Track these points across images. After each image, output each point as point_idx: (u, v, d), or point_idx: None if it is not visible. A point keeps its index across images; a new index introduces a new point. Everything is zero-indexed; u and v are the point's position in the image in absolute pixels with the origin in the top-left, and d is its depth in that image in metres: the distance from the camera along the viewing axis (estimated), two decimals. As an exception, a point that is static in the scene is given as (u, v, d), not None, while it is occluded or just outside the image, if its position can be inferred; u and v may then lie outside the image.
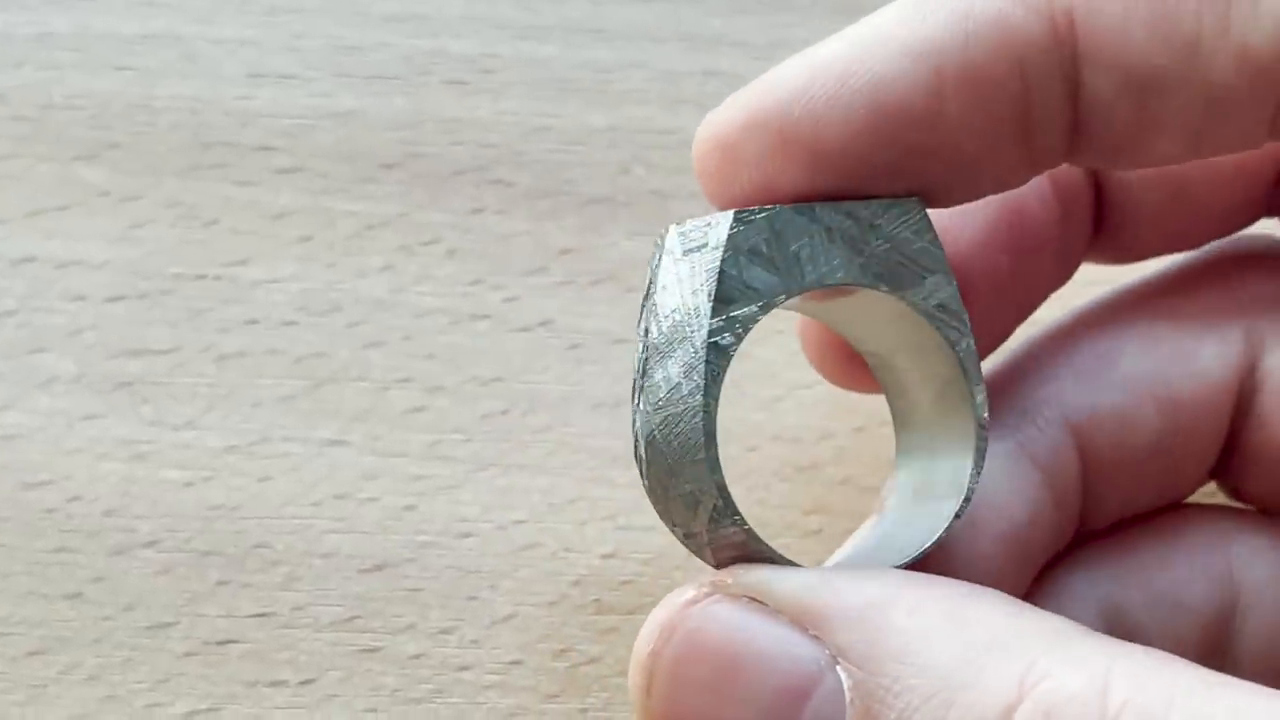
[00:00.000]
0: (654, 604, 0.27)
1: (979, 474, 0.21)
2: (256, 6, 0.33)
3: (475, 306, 0.30)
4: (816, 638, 0.19)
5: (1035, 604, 0.19)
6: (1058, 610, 0.19)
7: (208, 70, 0.32)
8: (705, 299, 0.20)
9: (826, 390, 0.28)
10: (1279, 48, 0.19)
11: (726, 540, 0.20)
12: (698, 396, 0.19)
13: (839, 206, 0.20)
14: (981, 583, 0.20)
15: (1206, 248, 0.25)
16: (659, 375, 0.20)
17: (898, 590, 0.19)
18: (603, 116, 0.32)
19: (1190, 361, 0.24)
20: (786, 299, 0.20)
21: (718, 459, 0.20)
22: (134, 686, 0.27)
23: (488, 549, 0.28)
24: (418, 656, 0.27)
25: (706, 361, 0.19)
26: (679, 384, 0.20)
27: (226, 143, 0.32)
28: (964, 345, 0.21)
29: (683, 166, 0.31)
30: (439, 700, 0.27)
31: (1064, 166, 0.23)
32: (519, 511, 0.28)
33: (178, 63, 0.32)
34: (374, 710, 0.27)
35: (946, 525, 0.21)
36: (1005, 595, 0.19)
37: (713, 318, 0.19)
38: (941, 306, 0.21)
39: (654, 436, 0.20)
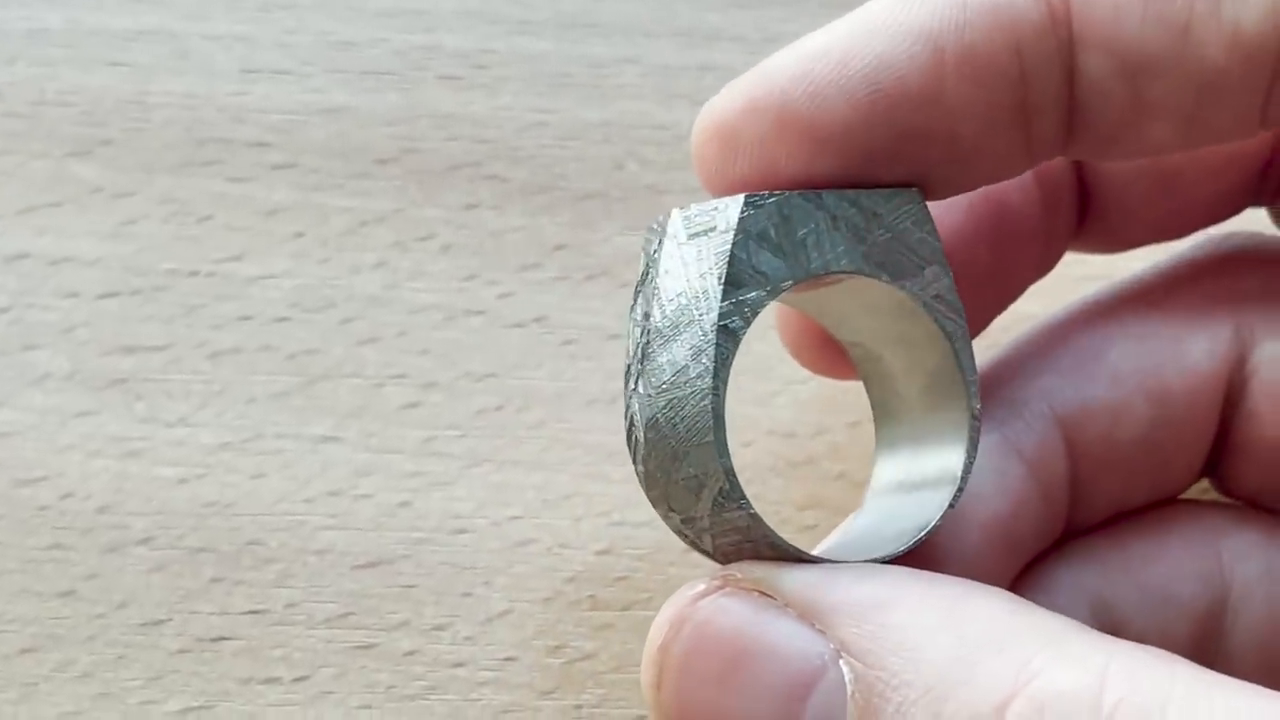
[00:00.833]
0: (649, 600, 0.27)
1: (971, 463, 0.21)
2: (249, 2, 0.33)
3: (469, 302, 0.30)
4: (822, 632, 0.19)
5: (1024, 598, 0.19)
6: (1047, 605, 0.19)
7: (201, 66, 0.32)
8: (715, 282, 0.20)
9: (821, 385, 0.28)
10: (1269, 30, 0.20)
11: (730, 525, 0.20)
12: (707, 379, 0.19)
13: (844, 194, 0.20)
14: (966, 575, 0.20)
15: (1196, 244, 0.25)
16: (663, 358, 0.20)
17: (901, 587, 0.19)
18: (597, 112, 0.32)
19: (1180, 356, 0.24)
20: (793, 285, 0.20)
21: (725, 442, 0.20)
22: (127, 684, 0.27)
23: (482, 545, 0.28)
24: (412, 653, 0.27)
25: (716, 345, 0.19)
26: (686, 366, 0.20)
27: (220, 139, 0.32)
28: (960, 336, 0.21)
29: (677, 162, 0.31)
30: (433, 697, 0.27)
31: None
32: (513, 508, 0.28)
33: (171, 59, 0.32)
34: (368, 707, 0.27)
35: (940, 515, 0.21)
36: (1007, 593, 0.19)
37: (723, 301, 0.19)
38: (939, 297, 0.21)
39: (657, 420, 0.20)
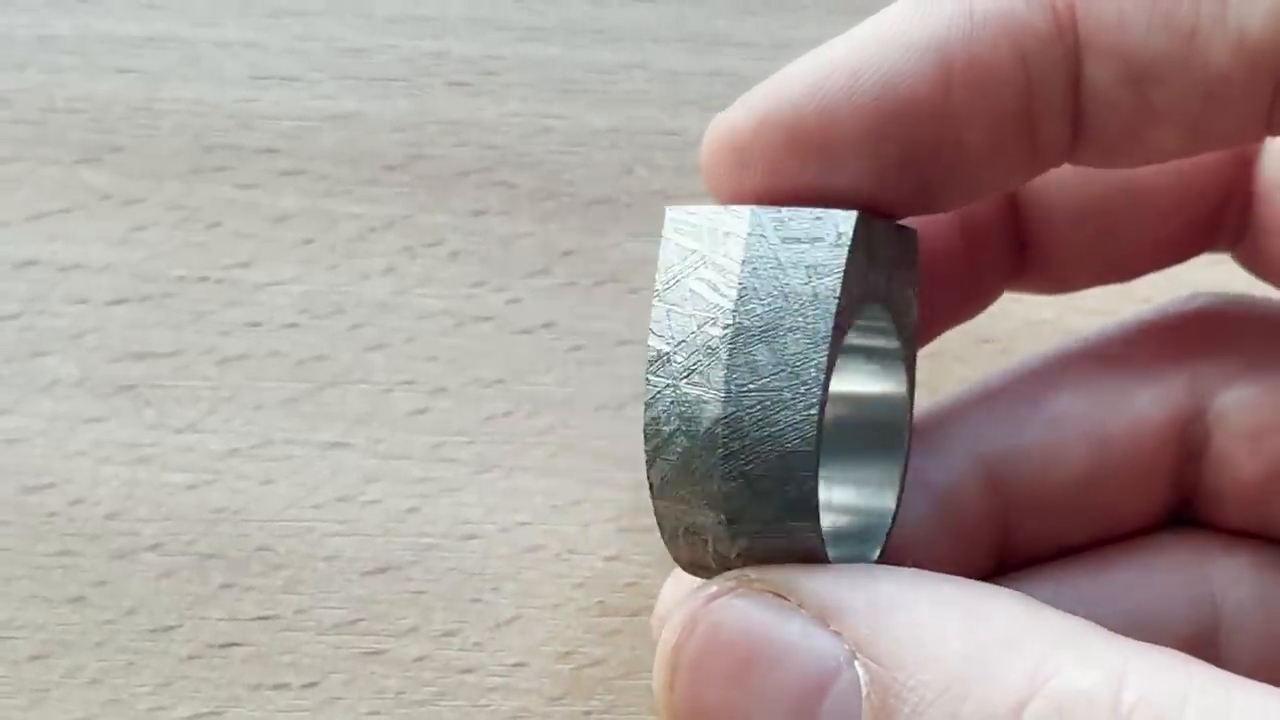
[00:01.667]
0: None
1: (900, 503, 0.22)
2: (259, 9, 0.33)
3: (478, 308, 0.30)
4: (837, 633, 0.19)
5: None
6: None
7: (210, 73, 0.32)
8: (827, 290, 0.20)
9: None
10: (1275, 36, 0.19)
11: (784, 532, 0.20)
12: (816, 388, 0.19)
13: (887, 225, 0.21)
14: None
15: (1158, 305, 0.26)
16: (760, 357, 0.20)
17: (917, 588, 0.19)
18: (605, 118, 0.32)
19: (1124, 404, 0.25)
20: (864, 307, 0.20)
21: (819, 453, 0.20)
22: (136, 690, 0.27)
23: (491, 551, 0.28)
24: (421, 659, 0.27)
25: (829, 353, 0.20)
26: (791, 370, 0.20)
27: (229, 145, 0.32)
28: (911, 366, 0.23)
29: (685, 167, 0.31)
30: (442, 703, 0.27)
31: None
32: (522, 514, 0.28)
33: (180, 65, 0.32)
34: (377, 713, 0.27)
35: (880, 550, 0.22)
36: (1023, 595, 0.19)
37: (836, 312, 0.20)
38: (909, 331, 0.22)
39: (738, 417, 0.20)
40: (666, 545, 0.21)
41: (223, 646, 0.27)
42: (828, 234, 0.20)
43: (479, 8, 0.33)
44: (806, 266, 0.20)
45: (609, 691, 0.27)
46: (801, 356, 0.20)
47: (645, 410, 0.20)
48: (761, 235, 0.20)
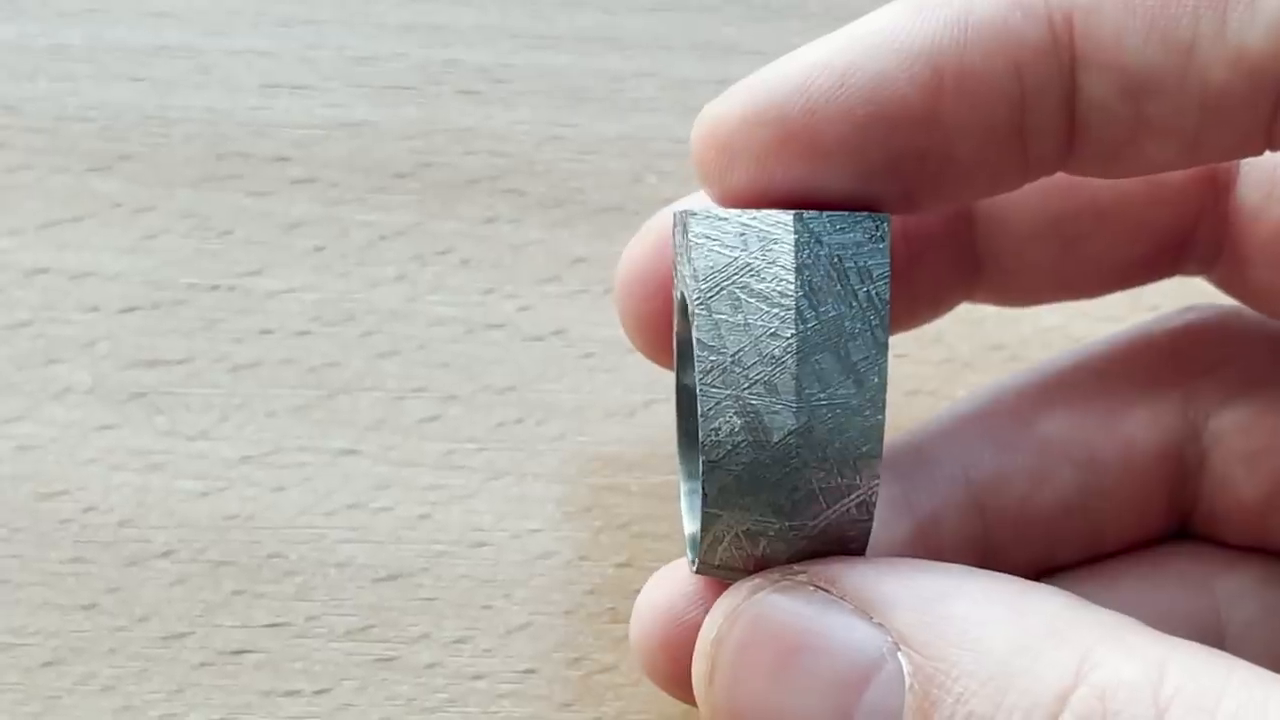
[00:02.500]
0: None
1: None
2: (270, 17, 0.33)
3: (489, 316, 0.30)
4: (880, 624, 0.19)
5: None
6: None
7: (221, 81, 0.32)
8: (879, 296, 0.20)
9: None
10: (1275, 50, 0.19)
11: (840, 533, 0.20)
12: (882, 394, 0.20)
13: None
14: None
15: (1150, 320, 0.26)
16: (827, 365, 0.20)
17: (961, 581, 0.19)
18: (615, 125, 0.32)
19: (1114, 426, 0.25)
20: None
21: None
22: (149, 697, 0.27)
23: (502, 558, 0.28)
24: (432, 666, 0.27)
25: (886, 358, 0.20)
26: (858, 377, 0.20)
27: (240, 153, 0.32)
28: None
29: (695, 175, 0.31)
30: (453, 709, 0.27)
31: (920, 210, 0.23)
32: (533, 520, 0.28)
33: (191, 74, 0.33)
34: (389, 720, 0.27)
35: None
36: (1064, 591, 0.20)
37: (888, 316, 0.20)
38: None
39: (811, 427, 0.20)
40: (702, 548, 0.21)
41: (235, 653, 0.27)
42: (869, 236, 0.20)
43: (489, 16, 0.34)
44: (859, 271, 0.20)
45: (620, 698, 0.27)
46: (867, 362, 0.20)
47: (703, 422, 0.20)
48: (810, 241, 0.20)
